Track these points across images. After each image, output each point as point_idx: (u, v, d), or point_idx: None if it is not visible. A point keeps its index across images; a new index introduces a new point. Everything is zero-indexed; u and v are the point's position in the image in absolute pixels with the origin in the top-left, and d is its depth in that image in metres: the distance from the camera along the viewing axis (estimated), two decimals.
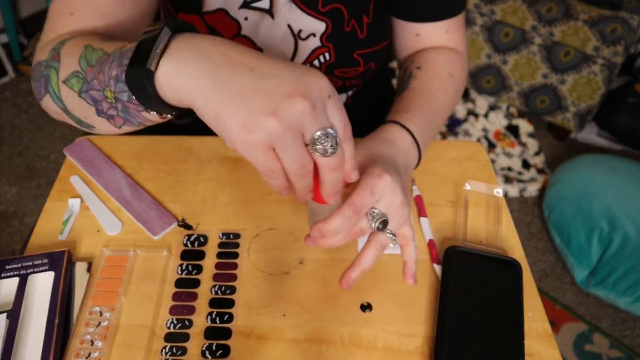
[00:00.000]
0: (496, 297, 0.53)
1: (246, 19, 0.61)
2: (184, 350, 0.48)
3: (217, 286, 0.54)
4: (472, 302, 0.53)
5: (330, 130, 0.36)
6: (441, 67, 0.65)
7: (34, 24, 2.10)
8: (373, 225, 0.46)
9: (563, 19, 1.69)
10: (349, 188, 0.46)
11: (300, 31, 0.63)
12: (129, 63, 0.38)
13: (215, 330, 0.50)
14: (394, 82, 0.79)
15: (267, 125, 0.34)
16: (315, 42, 0.63)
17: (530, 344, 0.51)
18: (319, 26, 0.62)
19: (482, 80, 1.94)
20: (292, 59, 0.65)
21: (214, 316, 0.51)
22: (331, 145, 0.37)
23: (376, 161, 0.48)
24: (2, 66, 2.01)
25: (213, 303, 0.52)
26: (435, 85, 0.63)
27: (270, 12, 0.61)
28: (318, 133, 0.36)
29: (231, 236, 0.58)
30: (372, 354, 0.49)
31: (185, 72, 0.36)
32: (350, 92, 0.75)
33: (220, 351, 0.49)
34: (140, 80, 0.37)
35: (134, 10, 0.54)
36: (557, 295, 1.49)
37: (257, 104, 0.34)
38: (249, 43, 0.63)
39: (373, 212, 0.46)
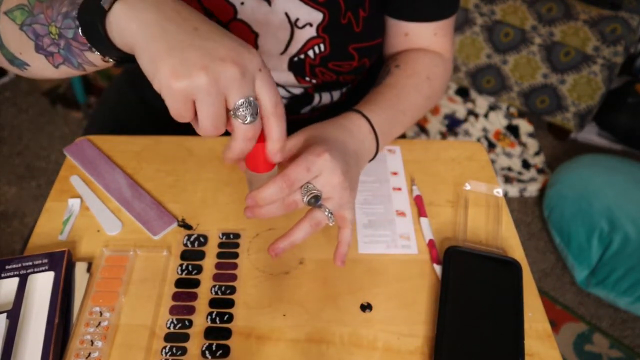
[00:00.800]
0: (496, 297, 0.53)
1: (242, 3, 0.61)
2: (184, 350, 0.48)
3: (217, 286, 0.54)
4: (472, 302, 0.53)
5: (251, 99, 0.39)
6: (420, 68, 0.66)
7: None
8: (305, 199, 0.47)
9: (563, 19, 1.69)
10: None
11: (297, 20, 0.63)
12: (83, 1, 0.40)
13: (215, 330, 0.50)
14: None
15: (195, 77, 0.36)
16: (311, 32, 0.64)
17: (530, 344, 0.51)
18: (317, 16, 0.62)
19: (482, 80, 1.94)
20: (287, 46, 0.65)
21: (214, 316, 0.51)
22: (251, 114, 0.39)
23: (322, 141, 0.49)
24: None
25: (213, 303, 0.52)
26: (409, 84, 0.64)
27: None
28: (241, 100, 0.38)
29: (231, 236, 0.58)
30: (372, 354, 0.49)
31: (135, 17, 0.38)
32: (344, 89, 0.75)
33: (220, 351, 0.49)
34: (91, 19, 0.39)
35: None
36: (557, 295, 1.49)
37: (191, 57, 0.36)
38: (245, 27, 0.63)
39: (307, 186, 0.47)
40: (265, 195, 0.45)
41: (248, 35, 0.63)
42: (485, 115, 1.95)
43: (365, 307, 0.53)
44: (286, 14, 0.62)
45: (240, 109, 0.39)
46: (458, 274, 0.55)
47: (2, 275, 0.52)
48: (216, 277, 0.55)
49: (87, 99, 1.86)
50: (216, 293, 0.53)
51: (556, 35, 1.71)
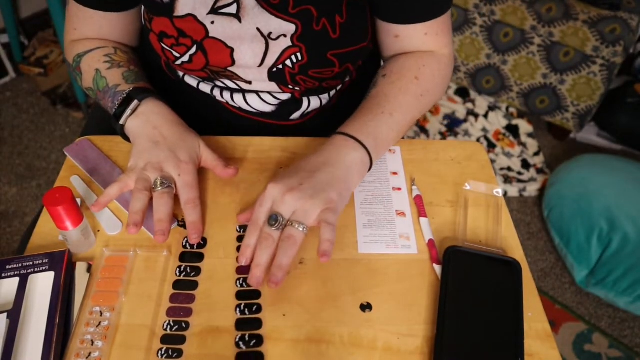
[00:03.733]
0: (496, 297, 0.54)
1: (212, 22, 0.62)
2: (179, 353, 0.48)
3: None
4: (472, 302, 0.53)
5: (158, 181, 0.58)
6: (407, 71, 0.67)
7: (35, 24, 2.10)
8: (268, 226, 0.53)
9: (563, 19, 1.70)
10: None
11: (270, 33, 0.63)
12: (114, 114, 0.64)
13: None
14: None
15: (137, 170, 0.59)
16: (286, 42, 0.63)
17: (530, 344, 0.51)
18: (289, 28, 0.62)
19: (482, 80, 1.95)
20: (264, 59, 0.65)
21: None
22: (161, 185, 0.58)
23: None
24: (2, 66, 2.01)
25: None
26: (394, 88, 0.66)
27: (237, 16, 0.62)
28: (155, 180, 0.58)
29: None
30: (372, 354, 0.49)
31: (134, 130, 0.62)
32: (332, 92, 0.74)
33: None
34: (116, 122, 0.64)
35: (122, 21, 0.70)
36: (556, 295, 1.49)
37: (141, 161, 0.60)
38: (219, 43, 0.63)
39: (270, 216, 0.53)
40: (247, 243, 0.54)
41: (223, 50, 0.64)
42: (485, 116, 1.95)
43: (365, 307, 0.53)
44: (258, 29, 0.62)
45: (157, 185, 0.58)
46: (458, 274, 0.55)
47: (3, 275, 0.52)
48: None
49: (87, 99, 1.86)
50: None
51: (556, 36, 1.72)
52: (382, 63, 0.74)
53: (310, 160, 0.58)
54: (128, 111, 0.62)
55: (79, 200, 0.61)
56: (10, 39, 1.98)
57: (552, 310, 1.45)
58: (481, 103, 1.98)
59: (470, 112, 1.96)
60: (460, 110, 1.96)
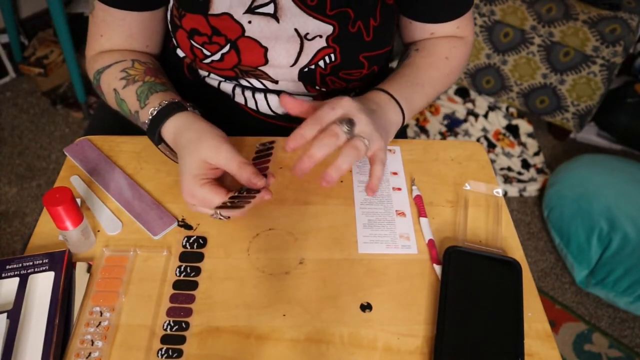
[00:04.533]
0: (496, 297, 0.54)
1: (250, 22, 0.62)
2: (179, 353, 0.48)
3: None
4: (472, 302, 0.53)
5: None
6: (439, 50, 0.70)
7: (35, 24, 2.10)
8: (340, 126, 0.52)
9: (563, 19, 1.70)
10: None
11: (307, 34, 0.63)
12: (147, 134, 0.61)
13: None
14: None
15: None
16: (321, 43, 0.64)
17: (530, 344, 0.51)
18: (326, 29, 0.63)
19: (482, 80, 1.94)
20: (297, 58, 0.65)
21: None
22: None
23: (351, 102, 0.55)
24: (2, 66, 2.01)
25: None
26: (426, 62, 0.69)
27: (275, 16, 0.62)
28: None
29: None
30: (372, 354, 0.49)
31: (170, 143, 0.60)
32: (352, 94, 0.75)
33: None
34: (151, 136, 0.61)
35: (152, 21, 0.68)
36: (556, 295, 1.49)
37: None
38: (254, 42, 0.63)
39: (341, 120, 0.52)
40: (301, 132, 0.52)
41: (257, 49, 0.64)
42: (485, 116, 1.95)
43: (365, 307, 0.53)
44: (296, 30, 0.63)
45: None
46: (458, 274, 0.55)
47: (3, 275, 0.52)
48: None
49: (87, 99, 1.86)
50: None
51: (556, 36, 1.72)
52: (394, 63, 0.76)
53: (367, 103, 0.58)
54: (158, 129, 0.59)
55: (79, 200, 0.61)
56: (10, 39, 1.97)
57: (552, 310, 1.45)
58: (481, 103, 1.98)
59: (470, 112, 1.96)
60: (460, 110, 1.96)
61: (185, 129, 0.56)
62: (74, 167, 0.66)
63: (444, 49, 0.70)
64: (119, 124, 0.70)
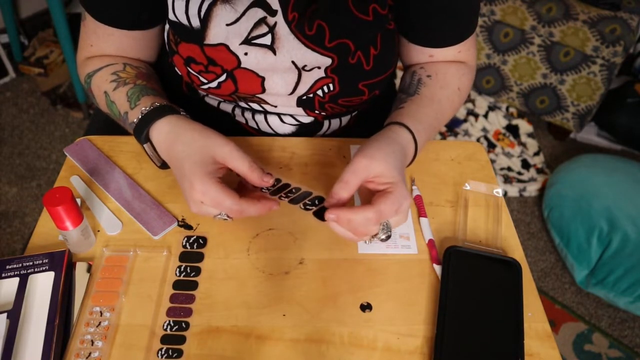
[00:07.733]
0: (496, 297, 0.54)
1: (246, 54, 0.61)
2: (179, 353, 0.48)
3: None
4: (472, 302, 0.53)
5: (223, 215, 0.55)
6: (450, 79, 0.67)
7: (34, 24, 2.10)
8: (380, 236, 0.52)
9: (563, 19, 1.70)
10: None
11: (304, 65, 0.62)
12: (134, 135, 0.58)
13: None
14: None
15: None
16: (319, 73, 0.63)
17: (530, 344, 0.51)
18: (324, 61, 0.62)
19: (482, 80, 1.94)
20: (295, 87, 0.65)
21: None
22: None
23: (393, 174, 0.52)
24: (2, 66, 2.01)
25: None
26: (444, 97, 0.65)
27: (272, 48, 0.61)
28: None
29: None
30: (372, 354, 0.49)
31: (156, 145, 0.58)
32: (354, 113, 0.75)
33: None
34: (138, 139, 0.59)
35: (143, 40, 0.66)
36: (556, 295, 1.49)
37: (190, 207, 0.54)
38: (251, 73, 0.63)
39: (386, 223, 0.51)
40: (351, 217, 0.50)
41: (254, 79, 0.63)
42: (485, 116, 1.95)
43: (365, 307, 0.53)
44: (293, 62, 0.62)
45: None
46: (458, 274, 0.55)
47: (3, 275, 0.52)
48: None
49: (87, 99, 1.86)
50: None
51: (556, 36, 1.71)
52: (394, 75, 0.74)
53: (402, 161, 0.56)
54: (145, 132, 0.57)
55: (79, 200, 0.61)
56: (10, 39, 1.97)
57: (552, 310, 1.45)
58: (481, 103, 1.98)
59: (470, 112, 1.96)
60: (460, 110, 1.96)
61: (186, 129, 0.55)
62: (74, 167, 0.66)
63: (454, 77, 0.68)
64: (119, 124, 0.70)
